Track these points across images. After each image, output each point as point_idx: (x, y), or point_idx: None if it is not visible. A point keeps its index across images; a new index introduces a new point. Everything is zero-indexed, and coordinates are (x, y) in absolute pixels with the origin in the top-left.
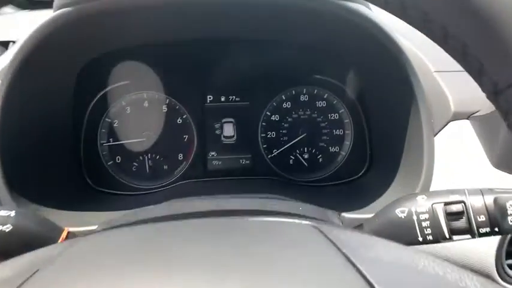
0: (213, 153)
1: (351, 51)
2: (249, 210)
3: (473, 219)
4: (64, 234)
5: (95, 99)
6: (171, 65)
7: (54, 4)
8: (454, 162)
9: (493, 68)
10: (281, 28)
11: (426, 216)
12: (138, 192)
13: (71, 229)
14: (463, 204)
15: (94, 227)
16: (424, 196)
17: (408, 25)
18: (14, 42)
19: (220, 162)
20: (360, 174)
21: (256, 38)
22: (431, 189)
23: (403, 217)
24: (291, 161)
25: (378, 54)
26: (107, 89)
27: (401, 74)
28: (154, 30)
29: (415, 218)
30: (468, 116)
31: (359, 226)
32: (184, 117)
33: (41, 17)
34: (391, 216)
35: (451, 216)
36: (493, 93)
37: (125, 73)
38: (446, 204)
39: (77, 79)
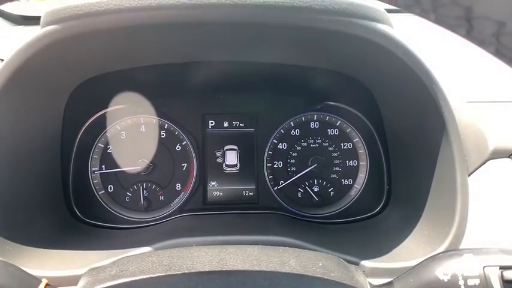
0: (213, 183)
1: (372, 76)
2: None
3: None
4: None
5: (88, 123)
6: (170, 88)
7: (41, 20)
8: (494, 207)
9: None
10: (293, 50)
11: (476, 281)
12: (131, 226)
13: (52, 273)
14: None
15: (78, 272)
16: (471, 255)
17: (437, 50)
18: (2, 60)
19: (221, 194)
20: (376, 210)
21: (263, 60)
22: (465, 236)
23: (445, 280)
24: (299, 193)
25: (405, 80)
26: (101, 113)
27: (431, 103)
28: (150, 51)
29: (461, 283)
30: (510, 155)
31: (388, 284)
32: (183, 143)
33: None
34: (430, 277)
35: (510, 284)
36: None
37: (120, 96)
38: (502, 268)
39: (68, 101)
